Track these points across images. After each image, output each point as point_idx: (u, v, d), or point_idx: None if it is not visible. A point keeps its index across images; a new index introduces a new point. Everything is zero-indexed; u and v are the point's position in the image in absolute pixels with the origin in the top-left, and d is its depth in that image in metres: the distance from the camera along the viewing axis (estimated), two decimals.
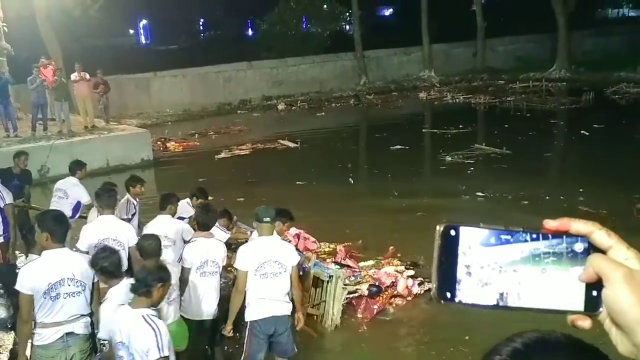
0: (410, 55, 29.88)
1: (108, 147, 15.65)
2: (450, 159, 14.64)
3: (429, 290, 7.33)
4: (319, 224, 9.28)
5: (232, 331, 5.43)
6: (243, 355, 5.37)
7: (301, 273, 6.99)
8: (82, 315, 4.69)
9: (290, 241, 8.56)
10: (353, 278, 7.55)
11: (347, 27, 37.37)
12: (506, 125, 18.41)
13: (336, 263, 7.93)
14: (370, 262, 8.24)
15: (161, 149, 18.04)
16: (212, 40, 44.92)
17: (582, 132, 16.87)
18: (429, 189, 12.92)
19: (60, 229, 4.65)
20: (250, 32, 45.51)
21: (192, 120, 23.11)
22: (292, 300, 5.41)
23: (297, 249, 8.58)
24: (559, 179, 13.97)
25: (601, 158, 14.28)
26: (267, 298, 5.21)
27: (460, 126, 18.14)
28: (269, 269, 5.19)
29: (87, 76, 16.99)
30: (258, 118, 23.66)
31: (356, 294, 7.32)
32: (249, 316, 5.27)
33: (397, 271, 7.67)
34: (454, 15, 32.73)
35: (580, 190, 11.48)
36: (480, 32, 30.41)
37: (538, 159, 14.82)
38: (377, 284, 7.43)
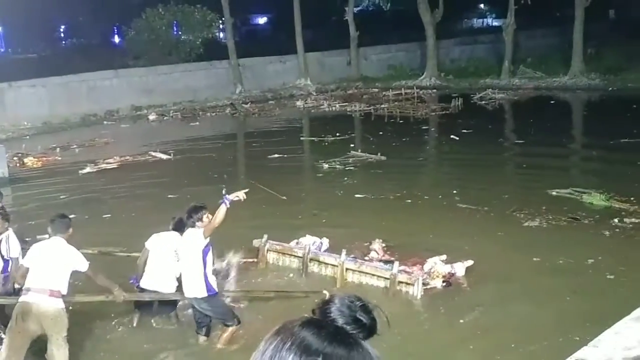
0: (285, 64, 29.70)
1: None
2: (327, 166, 14.51)
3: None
4: None
5: None
6: None
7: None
8: None
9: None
10: (425, 276, 7.81)
11: (221, 34, 36.62)
12: (380, 133, 18.60)
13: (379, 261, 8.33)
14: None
15: (18, 164, 16.44)
16: (74, 48, 42.24)
17: (452, 136, 17.38)
18: (308, 195, 12.71)
19: None
20: (116, 40, 43.43)
21: (53, 133, 21.35)
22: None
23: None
24: (434, 180, 14.32)
25: (471, 160, 14.92)
26: None
27: (337, 134, 18.11)
28: None
29: None
30: (127, 129, 22.34)
31: (429, 287, 7.64)
32: None
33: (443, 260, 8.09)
34: (327, 24, 33.09)
35: (454, 191, 11.75)
36: (354, 41, 30.80)
37: (412, 163, 15.15)
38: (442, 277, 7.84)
